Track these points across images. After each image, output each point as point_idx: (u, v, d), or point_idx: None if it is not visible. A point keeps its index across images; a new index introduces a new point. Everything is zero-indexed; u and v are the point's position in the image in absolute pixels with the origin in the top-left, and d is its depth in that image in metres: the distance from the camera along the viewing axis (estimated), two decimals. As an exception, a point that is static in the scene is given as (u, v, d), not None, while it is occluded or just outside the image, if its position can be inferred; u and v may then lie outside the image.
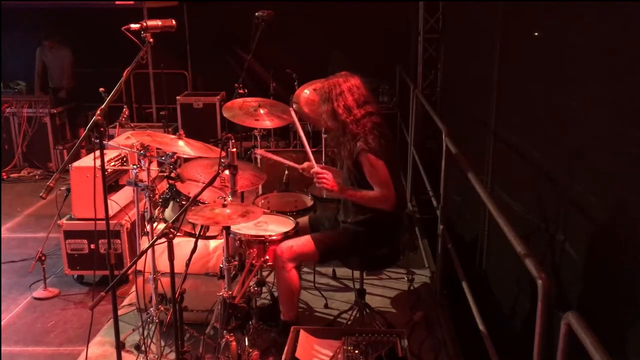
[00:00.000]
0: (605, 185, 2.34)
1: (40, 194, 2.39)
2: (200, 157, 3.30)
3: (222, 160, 2.81)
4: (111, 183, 4.24)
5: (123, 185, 4.29)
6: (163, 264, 2.96)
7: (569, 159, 2.68)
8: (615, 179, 2.26)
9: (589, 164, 2.49)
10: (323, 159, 4.60)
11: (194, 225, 3.19)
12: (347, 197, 3.15)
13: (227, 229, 2.90)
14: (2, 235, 5.18)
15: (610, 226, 2.28)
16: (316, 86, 4.05)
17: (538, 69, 3.17)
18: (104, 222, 2.58)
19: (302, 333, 2.82)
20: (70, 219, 4.12)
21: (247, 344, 3.06)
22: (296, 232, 3.26)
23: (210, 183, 2.70)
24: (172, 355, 3.03)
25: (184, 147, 3.08)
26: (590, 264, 2.41)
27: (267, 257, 3.14)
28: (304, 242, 3.13)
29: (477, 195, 2.93)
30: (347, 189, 3.14)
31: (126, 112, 3.90)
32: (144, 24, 2.53)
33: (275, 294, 3.42)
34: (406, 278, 4.14)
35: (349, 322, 3.50)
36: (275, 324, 3.28)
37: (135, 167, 3.09)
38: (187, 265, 2.69)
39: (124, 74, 2.49)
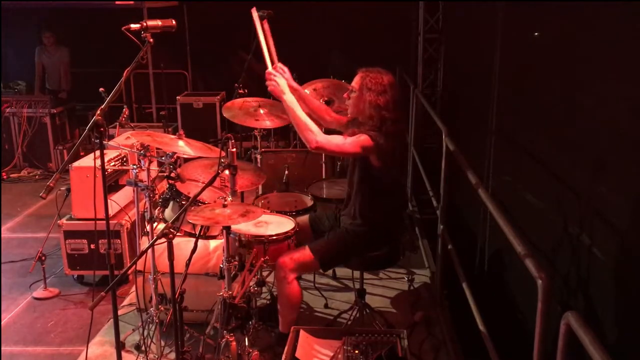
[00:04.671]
0: (630, 187, 2.31)
1: (40, 194, 2.39)
2: (200, 157, 3.30)
3: (222, 160, 2.81)
4: (111, 183, 4.25)
5: (123, 185, 4.30)
6: (163, 264, 2.96)
7: (592, 160, 2.64)
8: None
9: (612, 165, 2.45)
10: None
11: (194, 225, 3.19)
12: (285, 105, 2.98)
13: (227, 229, 2.90)
14: (2, 235, 5.18)
15: (637, 228, 2.25)
16: (316, 86, 4.05)
17: (554, 68, 3.12)
18: (104, 222, 2.58)
19: (302, 333, 2.82)
20: (70, 219, 4.12)
21: (247, 344, 3.06)
22: (296, 232, 3.25)
23: (210, 183, 2.70)
24: (172, 355, 3.03)
25: (184, 147, 3.07)
26: (618, 266, 2.38)
27: (267, 257, 3.14)
28: (304, 253, 3.08)
29: (477, 193, 2.92)
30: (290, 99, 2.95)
31: (126, 112, 3.89)
32: (144, 24, 2.53)
33: (275, 293, 3.42)
34: (406, 278, 4.14)
35: (349, 322, 3.50)
36: (276, 324, 3.28)
37: (135, 167, 3.09)
38: (187, 265, 2.69)
39: (124, 74, 2.48)
